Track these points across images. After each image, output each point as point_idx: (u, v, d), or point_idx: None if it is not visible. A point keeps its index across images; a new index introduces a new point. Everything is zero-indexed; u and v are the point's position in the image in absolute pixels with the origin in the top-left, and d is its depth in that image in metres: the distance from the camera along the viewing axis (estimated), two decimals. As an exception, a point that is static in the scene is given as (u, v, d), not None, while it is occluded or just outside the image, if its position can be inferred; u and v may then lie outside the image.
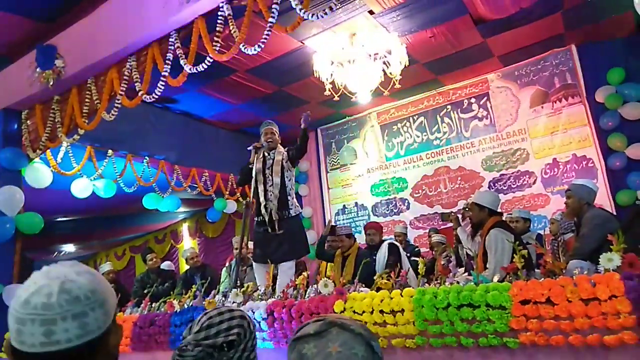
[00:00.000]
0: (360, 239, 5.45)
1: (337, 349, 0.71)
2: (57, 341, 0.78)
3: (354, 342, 0.73)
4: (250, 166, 4.07)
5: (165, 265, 6.90)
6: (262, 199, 4.02)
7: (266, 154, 4.14)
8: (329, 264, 4.72)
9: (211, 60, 3.74)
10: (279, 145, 4.19)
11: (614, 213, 5.03)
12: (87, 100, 4.49)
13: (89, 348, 0.82)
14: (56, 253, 9.96)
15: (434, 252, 5.39)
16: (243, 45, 3.53)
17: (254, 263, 4.24)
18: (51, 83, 4.42)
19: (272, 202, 3.96)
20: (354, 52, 4.84)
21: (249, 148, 4.10)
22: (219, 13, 3.58)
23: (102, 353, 0.86)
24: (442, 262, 4.43)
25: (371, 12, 4.69)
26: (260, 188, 4.05)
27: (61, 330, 0.78)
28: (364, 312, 2.81)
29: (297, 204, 4.16)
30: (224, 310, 1.30)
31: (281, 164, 4.06)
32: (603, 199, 5.38)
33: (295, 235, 4.04)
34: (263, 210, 3.99)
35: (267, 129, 4.18)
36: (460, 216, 4.35)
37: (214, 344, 1.19)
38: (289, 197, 4.05)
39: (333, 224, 6.29)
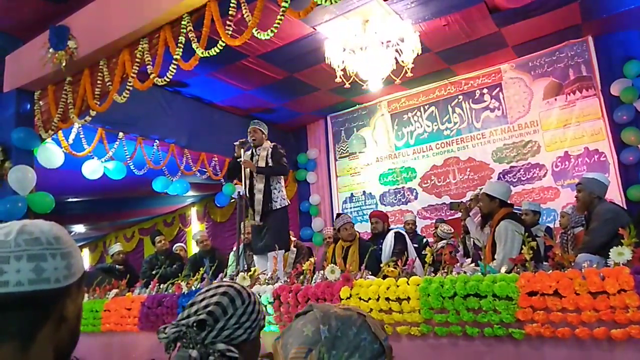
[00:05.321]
0: (367, 227, 5.48)
1: None
2: (5, 282, 0.70)
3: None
4: (238, 160, 4.32)
5: (178, 247, 6.97)
6: (250, 192, 4.35)
7: (254, 151, 4.45)
8: (335, 251, 4.72)
9: (223, 45, 3.72)
10: (265, 141, 4.47)
11: (625, 208, 4.98)
12: (99, 81, 4.49)
13: (41, 300, 0.72)
14: (67, 233, 10.08)
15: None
16: (256, 30, 3.51)
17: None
18: (64, 64, 4.43)
19: (257, 196, 4.27)
20: (366, 39, 4.77)
21: (234, 143, 4.36)
22: (232, -4, 3.55)
23: (56, 317, 0.75)
24: (450, 251, 4.42)
25: (385, -1, 4.64)
26: (249, 182, 4.35)
27: (13, 270, 0.70)
28: (369, 299, 2.83)
29: (283, 197, 4.42)
30: (212, 286, 1.20)
31: (265, 160, 4.34)
32: (614, 194, 5.33)
33: (277, 228, 4.31)
34: (253, 203, 4.32)
35: (251, 129, 4.46)
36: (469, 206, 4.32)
37: (187, 323, 1.10)
38: (273, 190, 4.34)
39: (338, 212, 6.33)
